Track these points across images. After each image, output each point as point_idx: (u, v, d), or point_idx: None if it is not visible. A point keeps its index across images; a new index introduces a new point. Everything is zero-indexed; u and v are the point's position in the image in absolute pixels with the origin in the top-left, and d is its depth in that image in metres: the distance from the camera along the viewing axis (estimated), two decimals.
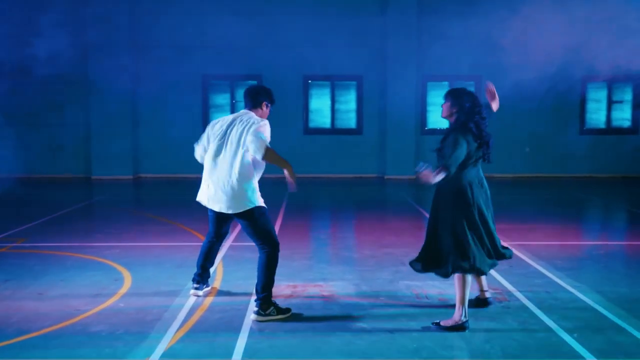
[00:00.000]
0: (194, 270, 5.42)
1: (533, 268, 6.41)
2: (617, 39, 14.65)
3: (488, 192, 4.91)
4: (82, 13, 14.76)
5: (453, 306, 4.91)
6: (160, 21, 15.06)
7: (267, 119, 5.04)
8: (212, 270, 5.62)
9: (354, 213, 10.67)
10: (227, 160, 4.82)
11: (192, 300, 5.27)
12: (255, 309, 4.81)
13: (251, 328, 4.60)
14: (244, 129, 4.83)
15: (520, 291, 5.54)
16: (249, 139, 4.74)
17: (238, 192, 4.80)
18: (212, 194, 4.92)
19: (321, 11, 15.02)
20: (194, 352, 4.17)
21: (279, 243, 4.95)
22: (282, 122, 15.74)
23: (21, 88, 14.89)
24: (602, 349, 4.18)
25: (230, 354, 4.11)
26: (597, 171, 15.46)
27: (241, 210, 4.83)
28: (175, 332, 4.51)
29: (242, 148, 4.78)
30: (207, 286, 5.47)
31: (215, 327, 4.63)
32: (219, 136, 4.91)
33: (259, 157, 4.74)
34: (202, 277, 5.38)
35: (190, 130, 15.29)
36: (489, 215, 4.78)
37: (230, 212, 4.88)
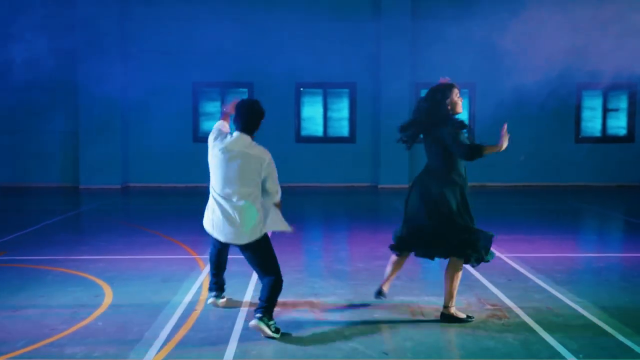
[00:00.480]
0: (180, 284, 5.18)
1: (532, 282, 6.18)
2: (613, 46, 14.52)
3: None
4: (69, 18, 14.51)
5: (450, 325, 4.72)
6: (150, 27, 14.82)
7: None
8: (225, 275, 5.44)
9: (346, 223, 10.43)
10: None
11: (174, 318, 5.00)
12: (259, 315, 4.56)
13: (236, 352, 4.33)
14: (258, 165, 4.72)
15: (520, 307, 5.30)
16: (270, 184, 4.78)
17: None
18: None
19: (313, 18, 14.82)
20: None
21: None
22: (273, 130, 15.53)
23: (4, 94, 14.61)
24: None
25: None
26: (592, 180, 15.28)
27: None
28: (156, 354, 4.24)
29: (257, 187, 4.74)
30: (223, 297, 5.33)
31: (199, 350, 4.36)
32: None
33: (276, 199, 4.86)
34: (218, 285, 5.28)
35: (180, 139, 15.11)
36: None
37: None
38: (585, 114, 15.55)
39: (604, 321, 4.90)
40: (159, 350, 4.31)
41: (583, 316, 5.06)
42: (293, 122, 15.35)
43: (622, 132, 15.57)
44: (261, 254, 4.75)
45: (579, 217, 11.25)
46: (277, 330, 4.61)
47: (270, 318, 4.62)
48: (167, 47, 14.88)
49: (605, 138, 15.54)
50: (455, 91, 4.95)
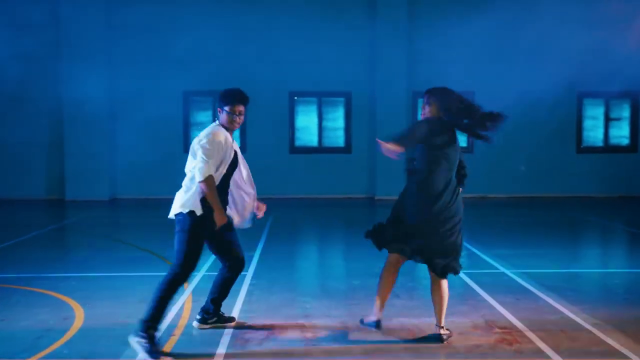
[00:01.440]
0: None
1: (543, 301, 5.68)
2: (614, 55, 14.16)
3: None
4: (53, 27, 14.06)
5: (454, 348, 4.24)
6: (139, 36, 14.36)
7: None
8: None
9: (342, 237, 9.93)
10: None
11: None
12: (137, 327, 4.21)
13: None
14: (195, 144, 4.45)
15: (531, 330, 4.80)
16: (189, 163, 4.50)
17: None
18: None
19: (307, 25, 14.39)
20: None
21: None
22: (266, 141, 15.10)
23: None
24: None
25: None
26: (594, 191, 14.82)
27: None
28: None
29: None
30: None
31: None
32: None
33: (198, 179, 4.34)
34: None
35: (170, 149, 14.61)
36: None
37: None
38: (587, 124, 15.13)
39: (629, 348, 4.39)
40: None
41: (604, 341, 4.55)
42: (287, 132, 14.86)
43: (625, 141, 15.15)
44: (176, 236, 4.39)
45: (585, 230, 10.78)
46: (154, 351, 4.08)
47: (147, 329, 4.13)
48: (157, 56, 14.43)
49: (608, 148, 15.11)
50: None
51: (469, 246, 8.02)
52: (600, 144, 15.16)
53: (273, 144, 14.45)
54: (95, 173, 14.18)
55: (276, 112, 14.58)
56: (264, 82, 14.23)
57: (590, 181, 14.90)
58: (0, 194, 14.17)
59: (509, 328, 4.86)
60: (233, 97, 4.50)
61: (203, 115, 14.82)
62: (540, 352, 4.34)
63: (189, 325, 4.93)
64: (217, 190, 4.36)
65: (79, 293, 5.90)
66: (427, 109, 4.62)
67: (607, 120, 15.12)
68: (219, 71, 14.20)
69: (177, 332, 4.78)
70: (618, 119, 15.13)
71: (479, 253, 7.85)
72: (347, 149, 15.01)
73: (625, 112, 15.15)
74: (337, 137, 15.04)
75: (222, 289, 4.76)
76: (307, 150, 14.94)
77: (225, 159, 4.42)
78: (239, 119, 4.52)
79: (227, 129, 4.53)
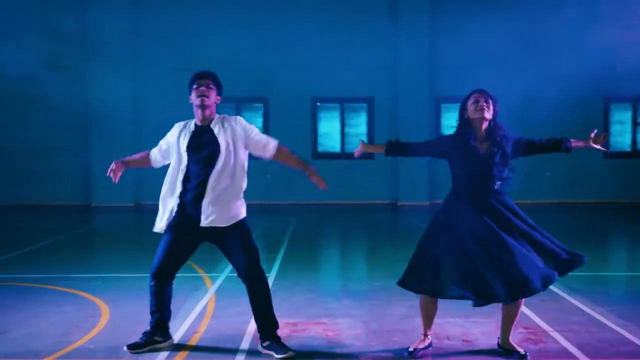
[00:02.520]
0: (181, 304, 4.71)
1: (567, 302, 5.62)
2: None
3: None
4: (80, 37, 14.38)
5: (479, 350, 4.19)
6: (163, 43, 14.59)
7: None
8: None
9: (364, 241, 9.92)
10: None
11: (179, 333, 4.56)
12: None
13: None
14: None
15: (557, 330, 4.74)
16: None
17: None
18: None
19: (330, 31, 14.49)
20: None
21: (152, 273, 4.38)
22: (289, 146, 15.07)
23: (23, 117, 14.51)
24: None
25: None
26: (622, 197, 14.60)
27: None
28: None
29: None
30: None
31: None
32: None
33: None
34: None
35: None
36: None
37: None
38: (614, 128, 14.93)
39: None
40: None
41: (631, 341, 4.48)
42: (309, 138, 14.94)
43: None
44: (246, 241, 4.27)
45: (612, 235, 10.61)
46: (286, 348, 4.11)
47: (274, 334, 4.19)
48: (181, 63, 14.61)
49: (636, 153, 14.89)
50: (471, 98, 4.31)
51: None
52: (627, 149, 14.95)
53: (295, 149, 14.33)
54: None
55: (299, 118, 14.68)
56: (287, 88, 14.36)
57: (617, 187, 14.70)
58: (30, 199, 14.49)
59: (534, 328, 4.82)
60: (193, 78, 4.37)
61: None
62: (565, 351, 4.29)
63: (211, 324, 4.98)
64: None
65: (104, 293, 5.99)
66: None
67: (635, 124, 14.91)
68: (242, 78, 14.35)
69: (201, 330, 4.83)
70: None
71: None
72: (369, 154, 14.99)
73: None
74: (359, 142, 15.03)
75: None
76: (330, 156, 15.00)
77: None
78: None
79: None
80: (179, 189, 4.25)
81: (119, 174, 4.45)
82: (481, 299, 4.06)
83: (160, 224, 4.31)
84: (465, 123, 4.26)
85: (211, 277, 6.66)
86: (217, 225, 4.14)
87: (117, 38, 14.32)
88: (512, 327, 4.23)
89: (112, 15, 14.24)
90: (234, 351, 4.32)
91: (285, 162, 4.41)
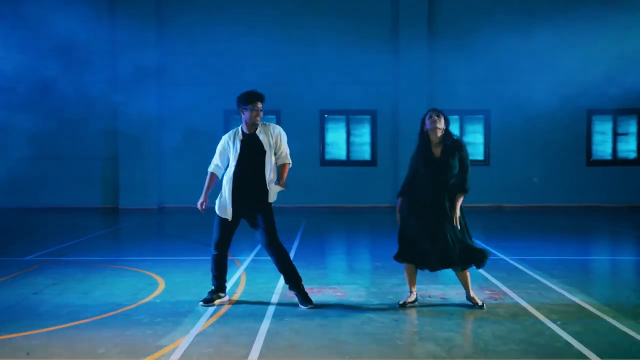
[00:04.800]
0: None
1: (529, 276, 6.98)
2: (622, 72, 15.37)
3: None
4: (109, 51, 15.84)
5: (452, 304, 5.59)
6: (184, 62, 16.07)
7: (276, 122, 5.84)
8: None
9: (367, 235, 11.27)
10: None
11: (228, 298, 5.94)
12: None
13: (273, 315, 5.24)
14: None
15: (514, 292, 6.11)
16: None
17: None
18: None
19: (337, 51, 15.94)
20: (223, 333, 4.82)
21: (215, 242, 5.76)
22: (299, 154, 16.45)
23: (50, 123, 15.85)
24: (578, 332, 4.76)
25: (255, 335, 4.74)
26: (603, 201, 15.93)
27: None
28: (207, 320, 5.16)
29: None
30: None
31: (241, 316, 5.28)
32: None
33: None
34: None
35: (211, 163, 16.19)
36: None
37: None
38: (596, 138, 16.29)
39: (589, 303, 5.69)
40: (209, 317, 5.23)
41: (570, 299, 5.85)
42: (318, 147, 16.36)
43: (632, 155, 16.26)
44: (270, 217, 5.71)
45: (588, 231, 11.92)
46: (308, 299, 5.62)
47: (299, 286, 5.76)
48: (200, 78, 16.10)
49: (616, 161, 16.24)
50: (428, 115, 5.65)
51: (480, 242, 9.30)
52: (608, 157, 16.30)
53: (305, 157, 15.91)
54: (146, 184, 15.85)
55: (308, 129, 16.11)
56: (298, 102, 15.85)
57: (599, 192, 16.02)
58: (62, 202, 15.91)
59: (497, 291, 6.19)
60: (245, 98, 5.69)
61: None
62: (518, 305, 5.66)
63: (246, 289, 6.35)
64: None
65: (155, 269, 7.39)
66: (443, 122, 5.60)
67: (615, 135, 16.26)
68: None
69: (239, 290, 6.21)
70: (625, 134, 16.27)
71: (485, 245, 9.14)
72: (372, 162, 16.43)
73: (632, 128, 16.28)
74: (363, 151, 16.47)
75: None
76: (336, 163, 16.41)
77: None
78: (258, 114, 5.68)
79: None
80: (232, 183, 5.65)
81: (205, 205, 5.84)
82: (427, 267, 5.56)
83: (223, 209, 5.72)
84: (423, 134, 5.61)
85: (240, 259, 8.03)
86: (255, 208, 5.59)
87: (143, 56, 15.72)
88: (469, 287, 5.59)
89: (139, 35, 15.62)
90: (267, 303, 5.71)
91: (279, 172, 5.72)
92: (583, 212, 14.68)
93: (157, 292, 6.21)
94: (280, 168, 5.74)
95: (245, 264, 7.75)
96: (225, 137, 5.85)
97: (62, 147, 16.20)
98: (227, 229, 5.71)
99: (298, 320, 5.15)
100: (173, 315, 5.33)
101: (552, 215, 14.04)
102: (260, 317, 5.22)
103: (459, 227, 5.39)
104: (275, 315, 5.30)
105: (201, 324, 5.04)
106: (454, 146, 5.49)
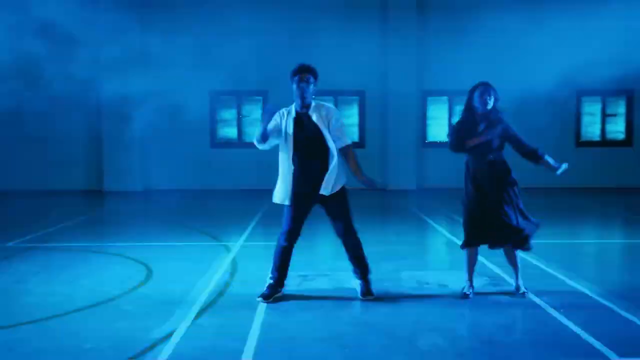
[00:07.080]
0: (210, 264, 5.88)
1: (527, 261, 6.86)
2: (611, 54, 15.27)
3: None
4: (91, 31, 15.39)
5: (452, 292, 5.47)
6: (168, 42, 15.65)
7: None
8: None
9: (358, 218, 11.09)
10: None
11: (212, 284, 5.75)
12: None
13: (267, 305, 5.08)
14: None
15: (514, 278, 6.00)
16: None
17: None
18: None
19: (323, 30, 15.64)
20: (217, 324, 4.64)
21: (284, 232, 5.38)
22: None
23: (32, 104, 15.45)
24: (583, 321, 4.67)
25: (250, 327, 4.57)
26: (592, 182, 15.92)
27: None
28: (199, 310, 4.98)
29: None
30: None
31: (235, 306, 5.11)
32: None
33: None
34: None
35: (197, 144, 15.94)
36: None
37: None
38: (585, 119, 16.24)
39: (576, 282, 5.61)
40: (201, 308, 5.05)
41: (569, 285, 5.76)
42: None
43: (621, 136, 16.25)
44: (344, 206, 5.60)
45: (580, 213, 11.91)
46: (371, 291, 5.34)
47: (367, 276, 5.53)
48: (185, 59, 15.72)
49: (604, 142, 16.21)
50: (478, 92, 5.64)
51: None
52: (597, 138, 16.27)
53: None
54: (130, 166, 15.55)
55: None
56: (285, 83, 15.42)
57: (588, 173, 16.00)
58: (45, 185, 15.56)
59: (496, 278, 6.08)
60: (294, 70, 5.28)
61: (227, 113, 16.11)
62: (505, 280, 5.56)
63: (239, 274, 6.18)
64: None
65: (144, 255, 7.18)
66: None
67: (604, 116, 16.22)
68: (242, 73, 15.51)
69: (230, 280, 6.03)
70: (614, 115, 16.23)
71: None
72: (361, 143, 16.23)
73: (621, 109, 16.25)
74: (352, 132, 16.25)
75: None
76: None
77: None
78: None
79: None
80: (292, 166, 5.16)
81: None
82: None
83: (281, 196, 5.24)
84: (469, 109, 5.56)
85: (229, 245, 7.84)
86: (326, 193, 5.22)
87: (126, 33, 15.32)
88: (517, 273, 5.46)
89: (122, 10, 15.21)
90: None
91: (347, 162, 5.27)
92: (572, 194, 14.66)
93: (146, 280, 6.01)
94: (345, 157, 5.19)
95: (235, 249, 7.57)
96: (278, 114, 5.32)
97: (44, 129, 15.79)
98: (297, 217, 5.24)
99: (295, 310, 4.99)
100: (164, 304, 5.14)
101: (540, 198, 13.99)
102: (255, 307, 5.05)
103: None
104: (270, 305, 5.13)
105: (194, 315, 4.86)
106: (497, 120, 5.54)
